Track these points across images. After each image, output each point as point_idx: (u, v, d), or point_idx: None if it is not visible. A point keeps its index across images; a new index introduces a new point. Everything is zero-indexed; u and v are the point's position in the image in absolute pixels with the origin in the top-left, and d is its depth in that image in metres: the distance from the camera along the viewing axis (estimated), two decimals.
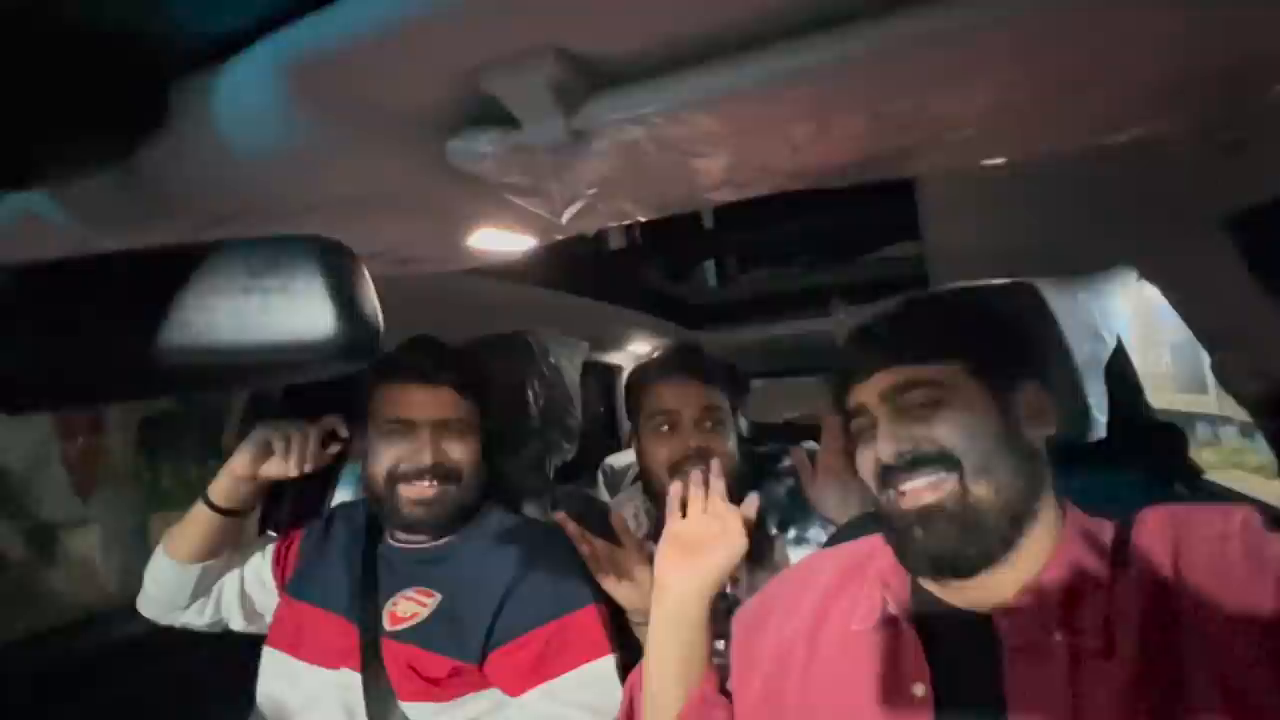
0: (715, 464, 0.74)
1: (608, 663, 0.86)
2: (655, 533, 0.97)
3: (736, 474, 1.04)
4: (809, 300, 1.95)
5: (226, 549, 1.00)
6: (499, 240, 0.54)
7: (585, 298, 1.49)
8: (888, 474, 0.60)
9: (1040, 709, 0.50)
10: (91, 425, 1.77)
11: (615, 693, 0.84)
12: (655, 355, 1.16)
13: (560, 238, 0.58)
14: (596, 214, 0.44)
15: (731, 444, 1.05)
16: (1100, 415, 0.88)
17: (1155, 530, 0.54)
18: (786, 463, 1.12)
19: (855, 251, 2.04)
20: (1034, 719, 0.50)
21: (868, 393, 0.62)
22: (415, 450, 0.91)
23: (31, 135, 0.38)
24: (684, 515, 0.73)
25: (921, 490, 0.58)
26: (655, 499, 1.10)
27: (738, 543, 0.69)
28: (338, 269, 0.34)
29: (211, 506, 0.95)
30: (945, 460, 0.57)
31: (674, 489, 0.76)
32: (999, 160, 0.46)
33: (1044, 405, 0.62)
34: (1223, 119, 0.50)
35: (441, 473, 0.92)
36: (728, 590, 1.01)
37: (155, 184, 0.42)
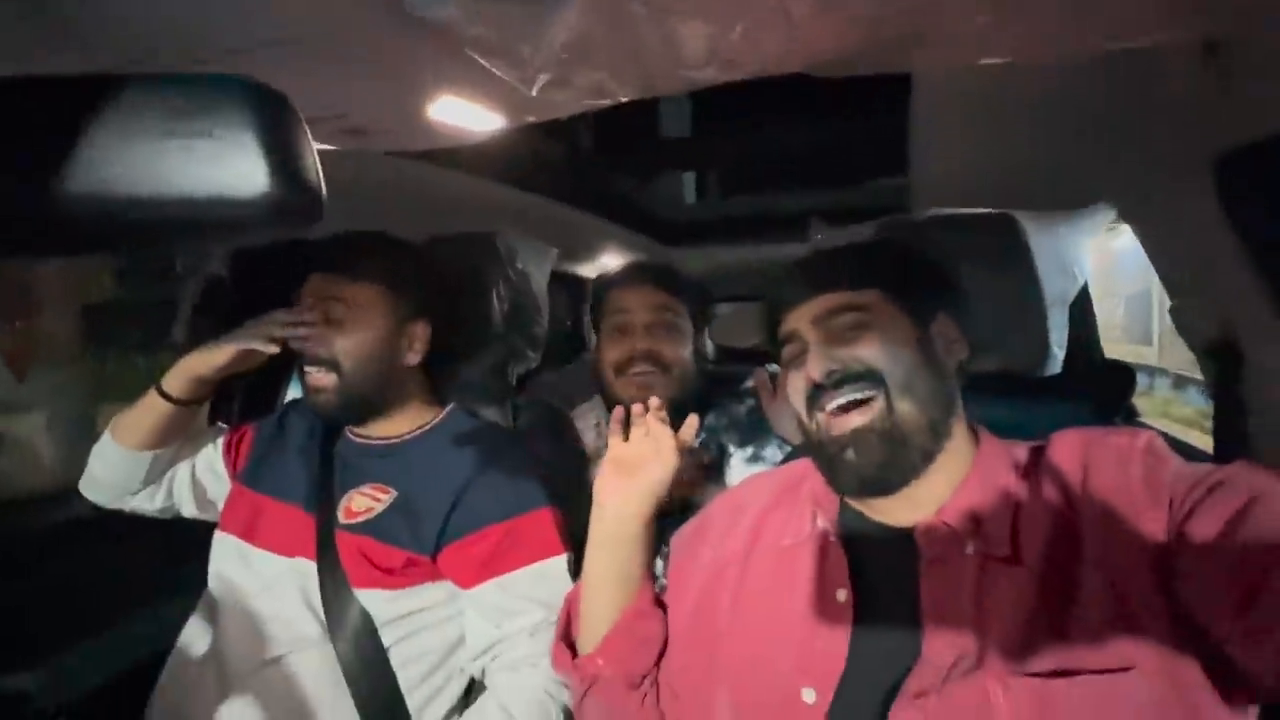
0: (654, 400, 0.74)
1: (560, 561, 0.88)
2: None
3: (690, 383, 1.06)
4: (787, 224, 1.91)
5: (177, 438, 0.98)
6: (463, 114, 0.50)
7: (559, 203, 1.43)
8: (816, 394, 0.62)
9: (949, 611, 0.55)
10: (26, 308, 1.68)
11: (567, 590, 0.87)
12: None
13: (532, 120, 0.53)
14: (572, 88, 0.40)
15: (685, 352, 1.06)
16: (1059, 351, 0.90)
17: (1067, 450, 0.58)
18: (749, 383, 1.14)
19: (840, 179, 1.99)
20: (943, 619, 0.54)
21: (800, 319, 0.66)
22: (305, 336, 0.91)
23: None
24: (626, 439, 0.74)
25: (850, 413, 0.61)
26: (609, 405, 1.11)
27: (669, 461, 0.70)
28: (270, 116, 0.30)
29: (165, 397, 0.92)
30: (871, 377, 0.61)
31: (616, 413, 0.75)
32: (996, 60, 0.43)
33: (955, 335, 0.67)
34: (1225, 38, 0.47)
35: (317, 361, 0.90)
36: (694, 499, 1.05)
37: (60, 8, 0.36)
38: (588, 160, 1.51)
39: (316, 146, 0.33)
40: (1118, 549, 0.51)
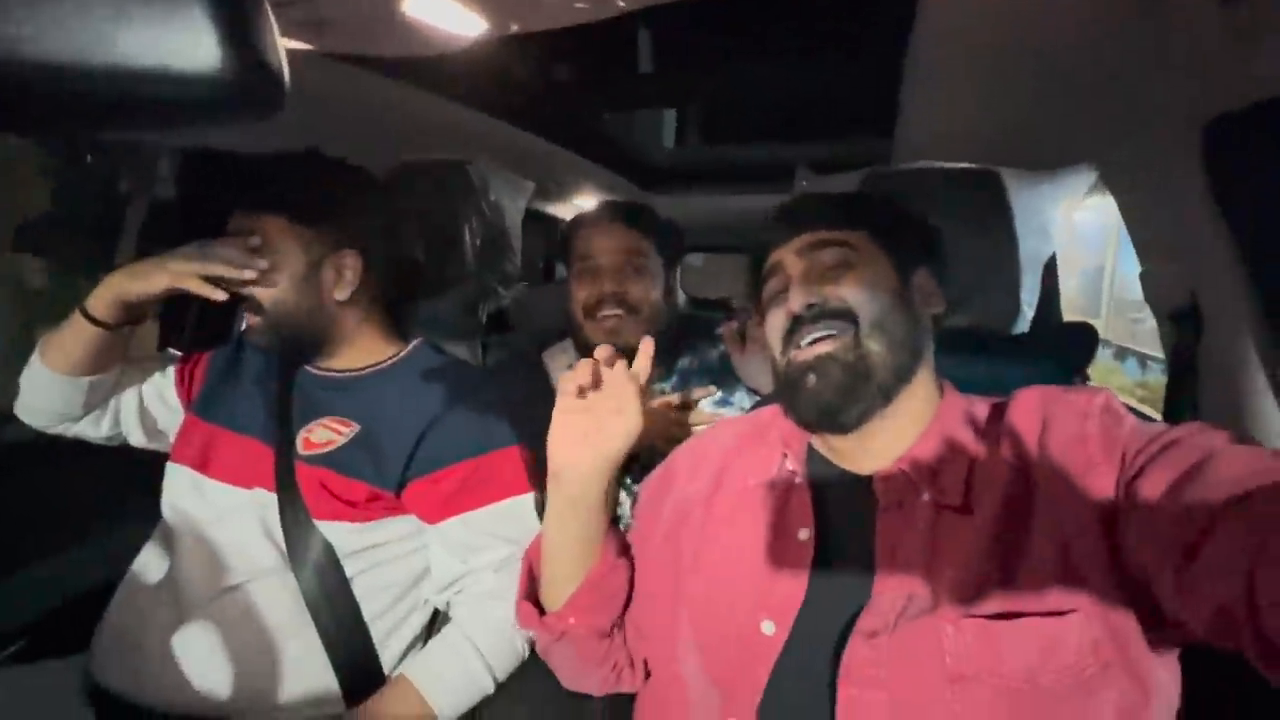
0: (603, 351, 0.64)
1: (527, 499, 0.88)
2: None
3: (661, 324, 1.06)
4: (768, 174, 1.88)
5: (112, 364, 0.91)
6: (442, 11, 0.45)
7: (535, 136, 1.36)
8: (794, 328, 0.63)
9: (902, 554, 0.56)
10: None
11: (534, 527, 0.87)
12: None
13: (516, 29, 0.49)
14: None
15: (654, 293, 1.06)
16: (1029, 310, 0.91)
17: (1027, 407, 0.60)
18: (721, 328, 1.14)
19: (824, 132, 1.95)
20: (896, 562, 0.56)
21: (785, 251, 0.67)
22: None
23: None
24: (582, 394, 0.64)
25: (820, 343, 0.62)
26: (580, 348, 1.10)
27: (634, 421, 0.62)
28: None
29: (91, 320, 0.84)
30: (846, 316, 0.62)
31: (565, 374, 0.64)
32: None
33: (932, 288, 0.69)
34: None
35: (242, 301, 0.85)
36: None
37: None
38: (563, 90, 1.44)
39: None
40: (1069, 502, 0.53)
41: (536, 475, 0.89)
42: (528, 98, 1.22)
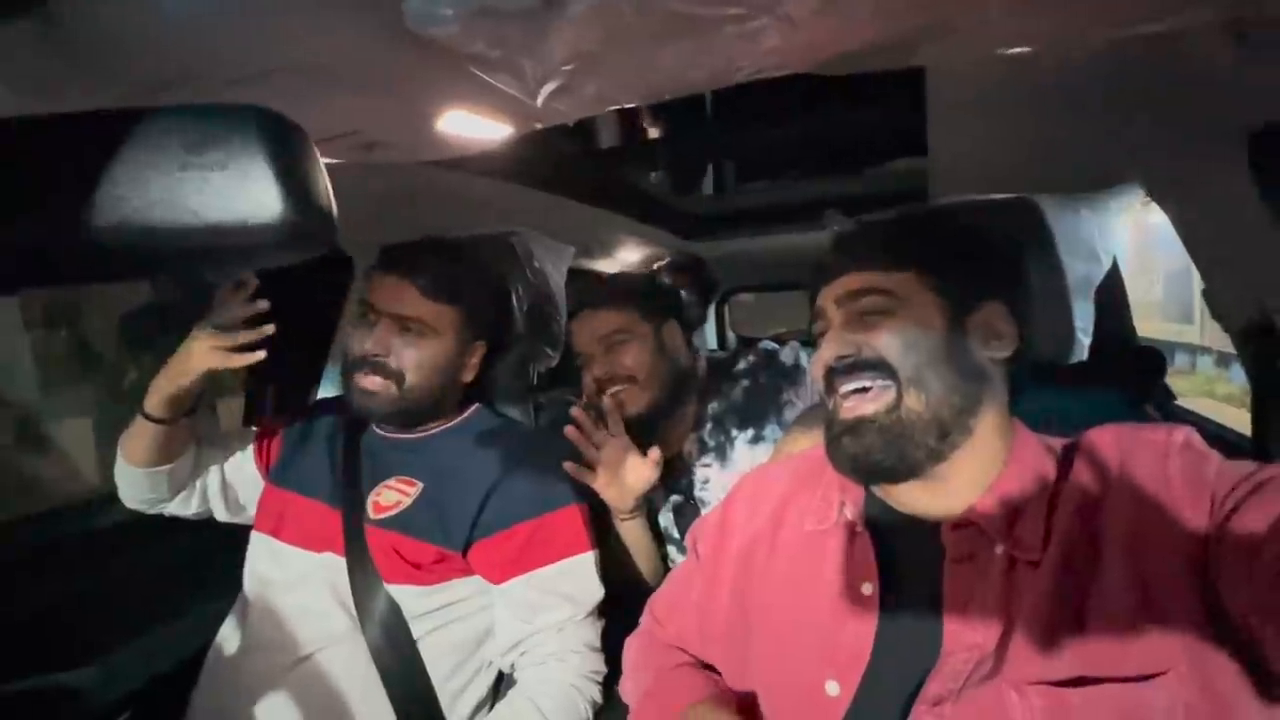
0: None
1: (588, 558, 0.89)
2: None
3: (662, 382, 1.06)
4: (806, 212, 1.89)
5: (183, 450, 0.98)
6: (471, 125, 0.50)
7: (574, 200, 1.43)
8: (831, 376, 0.61)
9: (972, 612, 0.53)
10: (65, 316, 1.74)
11: (593, 586, 0.89)
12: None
13: (540, 126, 0.53)
14: (575, 97, 0.40)
15: (641, 358, 1.05)
16: (1084, 338, 0.88)
17: (1102, 448, 0.56)
18: (741, 365, 1.14)
19: (857, 165, 1.95)
20: (965, 620, 0.53)
21: (827, 297, 0.64)
22: (363, 338, 0.91)
23: None
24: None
25: (860, 401, 0.59)
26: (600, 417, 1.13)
27: None
28: (283, 145, 0.31)
29: (149, 418, 0.91)
30: (882, 368, 0.59)
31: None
32: (1012, 50, 0.42)
33: (1001, 328, 0.62)
34: (1249, 17, 0.45)
35: (380, 368, 0.91)
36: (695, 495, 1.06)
37: (77, 39, 0.37)
38: (605, 158, 1.50)
39: (331, 162, 0.33)
40: (1154, 547, 0.50)
41: (593, 534, 0.91)
42: (563, 166, 1.29)
